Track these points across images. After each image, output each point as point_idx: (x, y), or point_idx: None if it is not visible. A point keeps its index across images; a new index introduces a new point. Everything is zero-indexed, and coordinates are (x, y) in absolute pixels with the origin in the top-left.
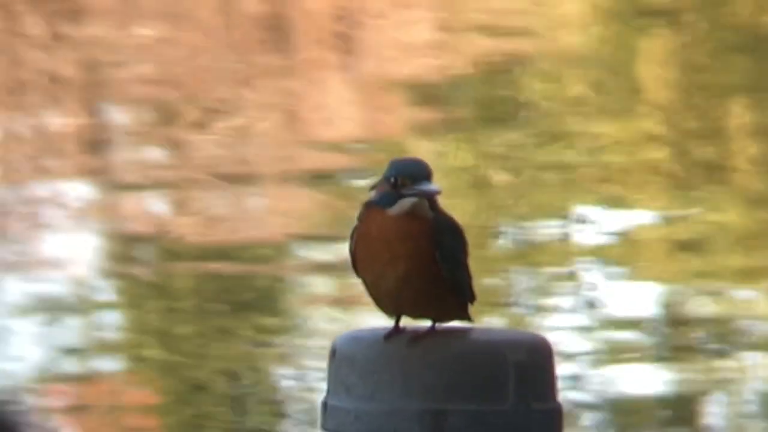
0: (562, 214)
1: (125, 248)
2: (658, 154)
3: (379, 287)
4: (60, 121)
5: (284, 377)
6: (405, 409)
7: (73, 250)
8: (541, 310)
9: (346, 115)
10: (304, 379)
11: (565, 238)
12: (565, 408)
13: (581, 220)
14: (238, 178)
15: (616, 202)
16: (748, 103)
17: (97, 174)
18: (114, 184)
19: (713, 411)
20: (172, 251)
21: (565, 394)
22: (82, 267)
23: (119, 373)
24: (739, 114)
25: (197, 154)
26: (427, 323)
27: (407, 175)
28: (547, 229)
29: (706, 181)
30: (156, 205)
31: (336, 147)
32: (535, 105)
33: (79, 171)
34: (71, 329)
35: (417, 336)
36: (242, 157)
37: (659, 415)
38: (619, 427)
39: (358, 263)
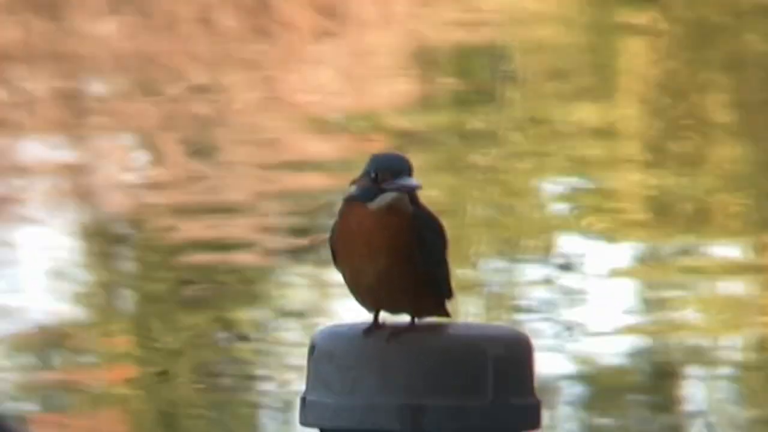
0: (536, 192)
1: (103, 240)
2: (635, 145)
3: (359, 281)
4: (36, 87)
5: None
6: (384, 405)
7: (47, 238)
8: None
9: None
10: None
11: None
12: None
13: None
14: (219, 164)
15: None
16: (728, 88)
17: (73, 132)
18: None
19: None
20: (151, 244)
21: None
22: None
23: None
24: (718, 105)
25: (178, 135)
26: (406, 318)
27: (387, 170)
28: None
29: (682, 166)
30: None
31: (319, 127)
32: (513, 89)
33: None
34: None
35: (396, 331)
36: (222, 136)
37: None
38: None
39: (338, 257)
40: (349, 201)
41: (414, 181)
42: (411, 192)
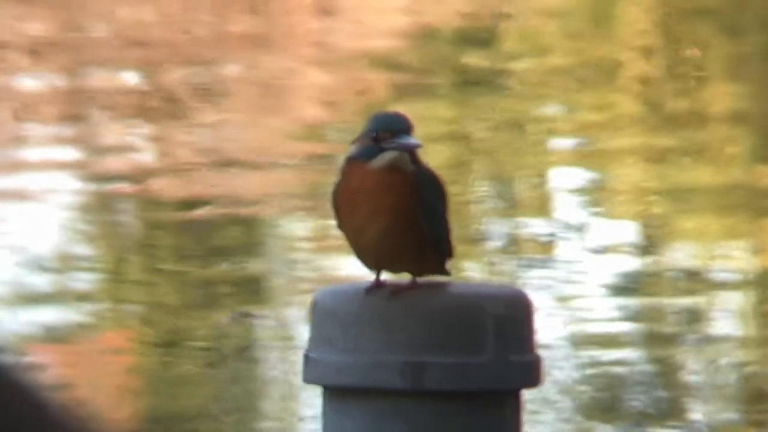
0: (540, 174)
1: (106, 204)
2: (635, 131)
3: (361, 240)
4: (38, 82)
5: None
6: (386, 362)
7: (52, 208)
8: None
9: (325, 91)
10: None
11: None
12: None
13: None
14: (221, 162)
15: (593, 164)
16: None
17: (77, 141)
18: (94, 148)
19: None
20: (153, 204)
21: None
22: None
23: (97, 325)
24: (718, 93)
25: (179, 138)
26: (407, 277)
27: (388, 129)
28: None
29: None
30: (137, 158)
31: (315, 132)
32: (512, 70)
33: (58, 139)
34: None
35: (398, 289)
36: (222, 142)
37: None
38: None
39: (340, 217)
40: (351, 160)
41: (414, 139)
42: (411, 150)
